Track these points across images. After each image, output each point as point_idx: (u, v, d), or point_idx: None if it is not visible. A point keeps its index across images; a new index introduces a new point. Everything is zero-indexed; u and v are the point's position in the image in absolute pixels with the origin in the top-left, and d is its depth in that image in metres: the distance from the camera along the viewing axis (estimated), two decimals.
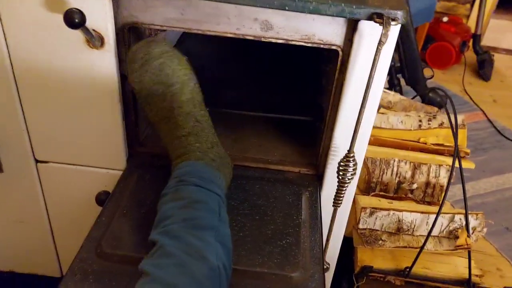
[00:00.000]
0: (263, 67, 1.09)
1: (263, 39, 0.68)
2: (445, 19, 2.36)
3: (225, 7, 0.65)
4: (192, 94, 0.68)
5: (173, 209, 0.58)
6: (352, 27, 0.65)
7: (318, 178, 0.81)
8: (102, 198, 0.76)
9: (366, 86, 0.62)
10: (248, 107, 0.89)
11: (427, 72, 1.42)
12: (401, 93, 1.52)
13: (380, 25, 0.58)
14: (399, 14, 0.59)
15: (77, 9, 0.59)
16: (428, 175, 0.91)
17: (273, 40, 0.68)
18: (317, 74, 0.90)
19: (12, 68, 0.70)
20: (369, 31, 0.63)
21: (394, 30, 0.62)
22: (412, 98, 1.33)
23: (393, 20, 0.59)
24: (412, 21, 1.38)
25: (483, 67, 2.34)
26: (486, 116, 1.97)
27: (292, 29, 0.67)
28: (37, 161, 0.82)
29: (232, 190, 0.74)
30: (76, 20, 0.58)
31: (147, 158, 0.81)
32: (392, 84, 1.53)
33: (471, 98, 2.12)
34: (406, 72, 1.42)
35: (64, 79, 0.71)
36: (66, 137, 0.78)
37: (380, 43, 0.59)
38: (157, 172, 0.76)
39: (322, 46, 0.68)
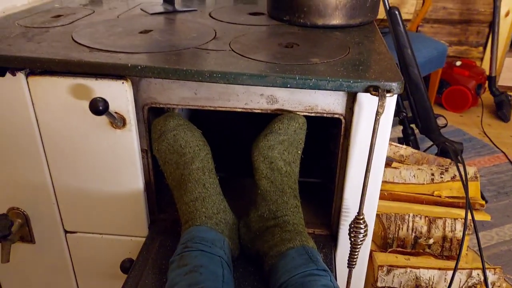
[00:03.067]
0: None
1: (269, 112, 0.73)
2: (458, 63, 2.40)
3: (234, 86, 0.71)
4: (203, 163, 0.73)
5: (179, 276, 0.61)
6: (352, 97, 0.70)
7: (332, 238, 0.82)
8: (126, 266, 0.80)
9: (369, 152, 0.66)
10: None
11: (440, 120, 1.44)
12: (416, 143, 1.54)
13: (376, 96, 0.63)
14: (394, 85, 0.64)
15: (101, 98, 0.66)
16: (444, 229, 0.91)
17: (279, 112, 0.73)
18: (325, 137, 0.95)
19: (43, 147, 0.78)
20: (367, 101, 0.68)
21: (391, 101, 0.67)
22: (427, 149, 1.35)
23: (388, 91, 0.63)
24: (420, 72, 1.42)
25: (501, 108, 2.33)
26: (508, 158, 1.94)
27: (296, 102, 0.72)
28: (66, 231, 0.87)
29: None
30: (101, 108, 0.65)
31: (168, 224, 0.85)
32: (406, 134, 1.55)
33: (490, 140, 2.10)
34: (419, 122, 1.45)
35: (90, 156, 0.77)
36: (92, 208, 0.83)
37: (378, 113, 0.63)
38: (177, 238, 0.80)
39: (325, 115, 0.72)
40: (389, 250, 0.94)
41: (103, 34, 0.82)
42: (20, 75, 0.71)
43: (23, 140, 0.76)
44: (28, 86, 0.71)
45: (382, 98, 0.62)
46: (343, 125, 0.73)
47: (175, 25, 0.94)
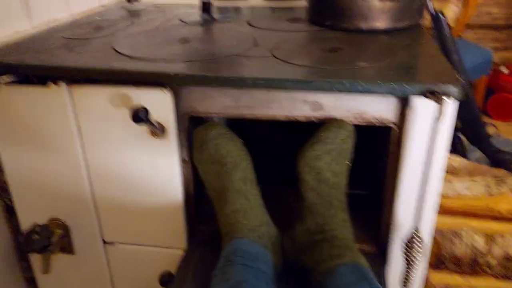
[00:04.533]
0: None
1: (314, 120, 0.70)
2: (504, 70, 2.28)
3: (277, 92, 0.68)
4: (244, 173, 0.70)
5: None
6: (403, 103, 0.65)
7: (381, 255, 0.77)
8: (165, 280, 0.78)
9: (427, 162, 0.61)
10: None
11: (490, 129, 1.36)
12: (464, 153, 1.45)
13: (433, 101, 0.58)
14: (454, 90, 0.58)
15: (143, 107, 0.64)
16: (506, 247, 0.84)
17: (324, 120, 0.70)
18: (370, 147, 0.90)
19: (85, 159, 0.77)
20: (422, 106, 0.63)
21: (450, 107, 0.61)
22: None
23: (447, 95, 0.58)
24: (468, 78, 1.34)
25: None
26: None
27: (343, 109, 0.68)
28: (105, 242, 0.86)
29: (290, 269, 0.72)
30: (141, 116, 0.64)
31: (208, 236, 0.82)
32: (453, 142, 1.47)
33: None
34: (468, 132, 1.36)
35: (129, 166, 0.76)
36: (131, 219, 0.82)
37: (436, 120, 0.58)
38: (218, 251, 0.77)
39: (375, 123, 0.68)
40: (443, 268, 0.87)
41: (143, 44, 0.81)
42: (62, 85, 0.71)
43: (64, 150, 0.76)
44: (70, 95, 0.71)
45: (440, 102, 0.57)
46: (394, 133, 0.68)
47: (214, 34, 0.93)
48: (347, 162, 0.69)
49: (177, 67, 0.68)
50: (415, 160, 0.66)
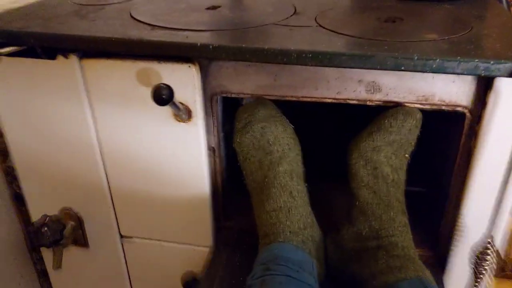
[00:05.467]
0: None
1: (368, 103, 0.58)
2: None
3: (325, 70, 0.57)
4: (292, 166, 0.60)
5: None
6: (484, 85, 0.53)
7: (439, 261, 0.66)
8: (189, 284, 0.69)
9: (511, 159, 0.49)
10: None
11: None
12: None
13: None
14: None
15: (165, 84, 0.54)
16: None
17: (381, 104, 0.58)
18: (430, 135, 0.77)
19: (98, 141, 0.68)
20: (510, 89, 0.51)
21: None
22: None
23: None
24: None
25: None
26: None
27: (406, 90, 0.56)
28: (122, 236, 0.78)
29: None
30: (165, 97, 0.53)
31: (235, 234, 0.73)
32: None
33: None
34: None
35: (150, 153, 0.66)
36: (151, 212, 0.73)
37: None
38: (247, 252, 0.68)
39: (443, 108, 0.56)
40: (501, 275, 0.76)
41: (165, 10, 0.70)
42: (73, 58, 0.61)
43: (76, 133, 0.67)
44: (81, 70, 0.61)
45: None
46: (467, 121, 0.56)
47: (246, 0, 0.81)
48: (407, 156, 0.58)
49: (206, 38, 0.56)
50: (494, 155, 0.55)
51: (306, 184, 0.63)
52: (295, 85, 0.59)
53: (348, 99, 0.58)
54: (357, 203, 0.57)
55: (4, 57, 0.62)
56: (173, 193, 0.69)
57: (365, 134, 0.55)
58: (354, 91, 0.58)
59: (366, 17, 0.66)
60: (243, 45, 0.54)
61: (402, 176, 0.57)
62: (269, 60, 0.53)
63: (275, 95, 0.61)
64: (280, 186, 0.59)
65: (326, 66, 0.54)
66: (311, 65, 0.52)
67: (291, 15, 0.66)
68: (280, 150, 0.60)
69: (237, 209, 0.76)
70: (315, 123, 0.84)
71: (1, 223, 0.80)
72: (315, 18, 0.64)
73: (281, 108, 0.69)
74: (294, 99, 0.60)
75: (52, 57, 0.61)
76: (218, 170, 0.69)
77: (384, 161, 0.54)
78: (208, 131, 0.64)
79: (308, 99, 0.60)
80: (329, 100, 0.59)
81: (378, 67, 0.51)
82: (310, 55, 0.51)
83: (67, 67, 0.61)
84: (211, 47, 0.53)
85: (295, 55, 0.52)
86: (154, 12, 0.68)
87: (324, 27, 0.60)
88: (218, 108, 0.64)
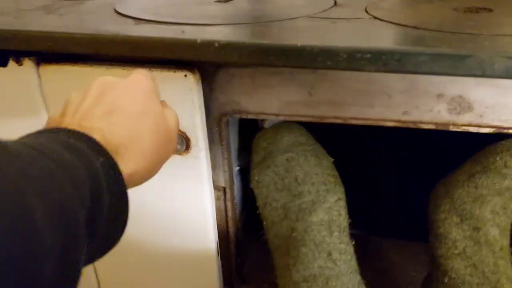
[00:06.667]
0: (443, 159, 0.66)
1: (452, 128, 0.39)
2: None
3: (385, 79, 0.38)
4: (330, 215, 0.43)
5: None
6: None
7: None
8: None
9: None
10: (408, 233, 0.55)
11: None
12: None
13: None
14: None
15: None
16: None
17: (470, 129, 0.39)
18: None
19: None
20: None
21: None
22: None
23: None
24: None
25: None
26: None
27: (509, 109, 0.37)
28: None
29: None
30: None
31: None
32: None
33: None
34: None
35: (135, 197, 0.48)
36: (137, 268, 0.55)
37: None
38: None
39: None
40: None
41: (162, 3, 0.53)
42: (29, 64, 0.44)
43: None
44: (39, 79, 0.44)
45: None
46: None
47: None
48: None
49: (209, 33, 0.39)
50: None
51: (353, 242, 0.45)
52: (341, 102, 0.41)
53: (421, 122, 0.40)
54: (446, 280, 0.37)
55: None
56: (169, 250, 0.51)
57: (461, 177, 0.36)
58: (430, 111, 0.39)
59: (438, 7, 0.47)
60: (265, 42, 0.36)
61: (508, 239, 0.37)
62: (304, 63, 0.35)
63: (311, 116, 0.42)
64: (314, 244, 0.43)
65: (392, 72, 0.35)
66: (370, 71, 0.34)
67: (331, 7, 0.48)
68: (313, 191, 0.43)
69: (257, 269, 0.57)
70: (363, 154, 0.64)
71: None
72: (365, 9, 0.46)
73: (314, 134, 0.50)
74: (338, 121, 0.42)
75: (2, 63, 0.45)
76: (231, 218, 0.50)
77: (490, 218, 0.35)
78: (215, 166, 0.47)
79: (360, 122, 0.41)
80: (391, 124, 0.40)
81: (479, 73, 0.32)
82: (369, 55, 0.33)
83: (21, 75, 0.44)
84: (216, 44, 0.35)
85: (344, 56, 0.33)
86: (146, 6, 0.51)
87: (382, 20, 0.42)
88: (230, 133, 0.46)
